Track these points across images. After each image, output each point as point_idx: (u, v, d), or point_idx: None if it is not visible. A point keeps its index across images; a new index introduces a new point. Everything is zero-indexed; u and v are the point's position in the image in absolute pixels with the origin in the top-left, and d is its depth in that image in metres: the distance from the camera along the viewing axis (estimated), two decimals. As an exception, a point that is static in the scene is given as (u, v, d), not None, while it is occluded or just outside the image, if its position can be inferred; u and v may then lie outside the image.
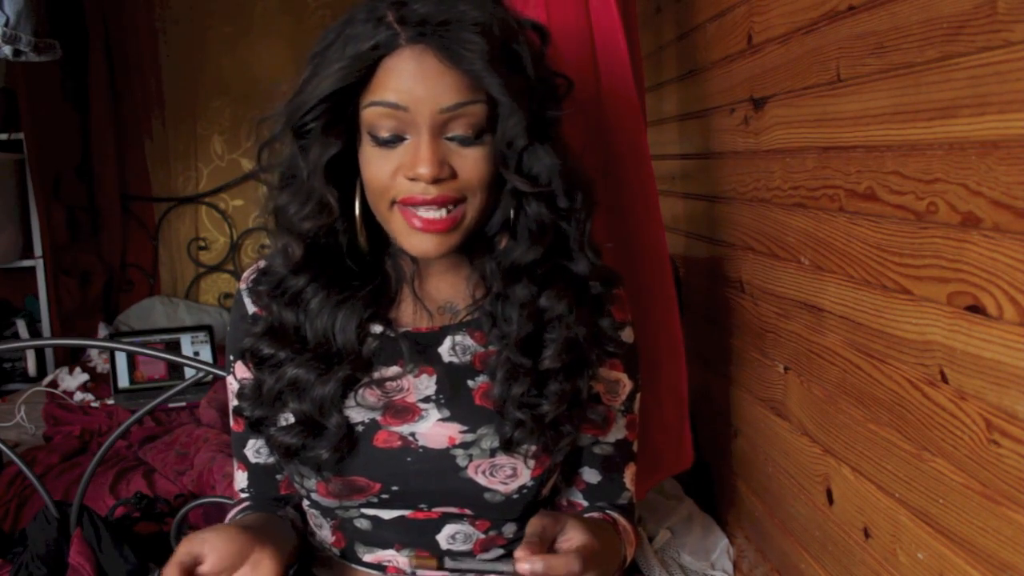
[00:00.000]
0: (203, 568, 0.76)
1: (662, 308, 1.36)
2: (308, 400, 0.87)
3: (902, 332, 0.88)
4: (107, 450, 1.36)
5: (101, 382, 2.53)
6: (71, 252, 3.02)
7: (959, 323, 0.77)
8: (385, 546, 0.92)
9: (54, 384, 2.48)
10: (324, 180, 0.84)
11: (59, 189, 2.98)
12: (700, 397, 1.62)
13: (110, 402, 2.34)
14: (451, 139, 0.81)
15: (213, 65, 3.20)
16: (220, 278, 3.35)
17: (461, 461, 0.87)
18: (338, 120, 0.83)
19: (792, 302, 1.19)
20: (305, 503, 0.97)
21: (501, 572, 0.85)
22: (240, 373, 0.95)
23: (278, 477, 0.99)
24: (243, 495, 1.00)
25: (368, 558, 0.93)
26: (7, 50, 1.98)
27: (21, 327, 2.90)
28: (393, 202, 0.83)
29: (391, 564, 0.92)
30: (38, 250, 2.86)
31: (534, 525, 0.79)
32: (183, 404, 2.20)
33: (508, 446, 0.86)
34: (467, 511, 0.89)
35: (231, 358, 0.97)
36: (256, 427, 0.92)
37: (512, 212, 0.87)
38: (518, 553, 0.74)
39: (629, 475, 1.00)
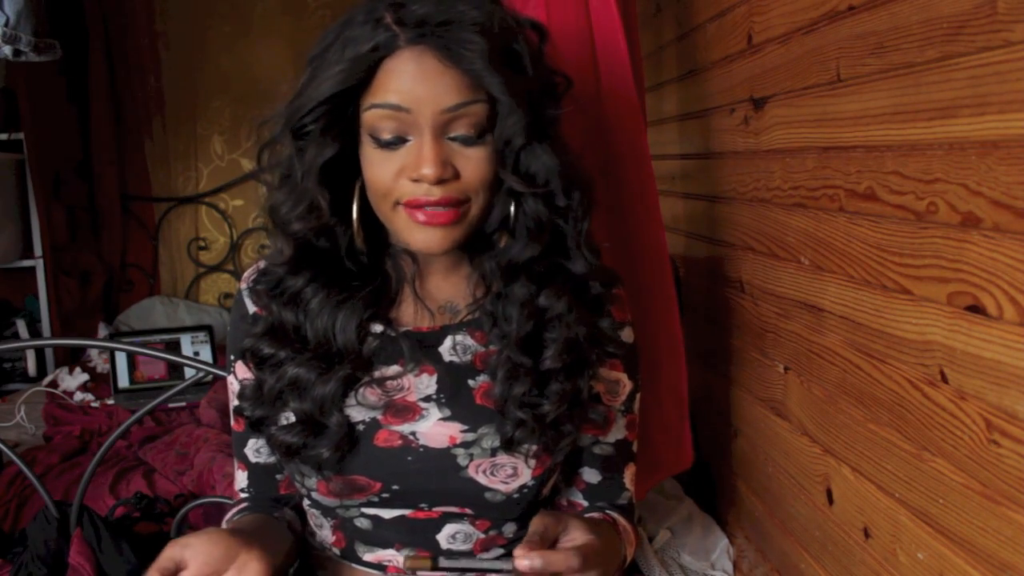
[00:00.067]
0: (185, 574, 0.75)
1: (662, 308, 1.36)
2: (309, 399, 0.87)
3: (902, 332, 0.88)
4: (107, 450, 1.36)
5: (101, 382, 2.53)
6: (71, 252, 3.02)
7: (959, 323, 0.77)
8: (385, 546, 0.92)
9: (54, 384, 2.48)
10: (318, 182, 0.84)
11: (59, 189, 2.98)
12: (700, 397, 1.62)
13: (110, 402, 2.34)
14: (453, 139, 0.81)
15: (213, 65, 3.20)
16: (220, 278, 3.35)
17: (462, 460, 0.87)
18: (337, 122, 0.83)
19: (792, 302, 1.19)
20: (305, 503, 0.97)
21: (500, 571, 0.85)
22: (241, 373, 0.95)
23: (278, 477, 0.99)
24: (242, 495, 1.00)
25: (368, 558, 0.93)
26: (7, 50, 1.98)
27: (21, 327, 2.90)
28: (397, 203, 0.83)
29: (391, 564, 0.92)
30: (38, 250, 2.86)
31: (536, 524, 0.79)
32: (183, 404, 2.20)
33: (509, 445, 0.86)
34: (467, 511, 0.89)
35: (232, 358, 0.97)
36: (257, 427, 0.92)
37: (511, 210, 0.87)
38: (518, 551, 0.74)
39: (629, 475, 1.01)
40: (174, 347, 2.50)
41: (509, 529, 0.92)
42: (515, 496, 0.88)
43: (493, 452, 0.87)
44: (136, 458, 1.90)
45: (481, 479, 0.87)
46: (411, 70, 0.79)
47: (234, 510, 0.99)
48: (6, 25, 1.95)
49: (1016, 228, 0.68)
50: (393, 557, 0.92)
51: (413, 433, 0.89)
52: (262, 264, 0.95)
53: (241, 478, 1.00)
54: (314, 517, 0.97)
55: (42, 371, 2.82)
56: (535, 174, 0.85)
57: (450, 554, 0.90)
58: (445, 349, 0.91)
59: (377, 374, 0.90)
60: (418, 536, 0.91)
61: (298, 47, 3.03)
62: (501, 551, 0.93)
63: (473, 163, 0.82)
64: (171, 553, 0.76)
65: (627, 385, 0.98)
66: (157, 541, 1.42)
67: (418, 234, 0.83)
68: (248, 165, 3.24)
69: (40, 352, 2.85)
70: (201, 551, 0.76)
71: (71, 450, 1.96)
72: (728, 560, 1.44)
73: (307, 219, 0.85)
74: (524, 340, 0.87)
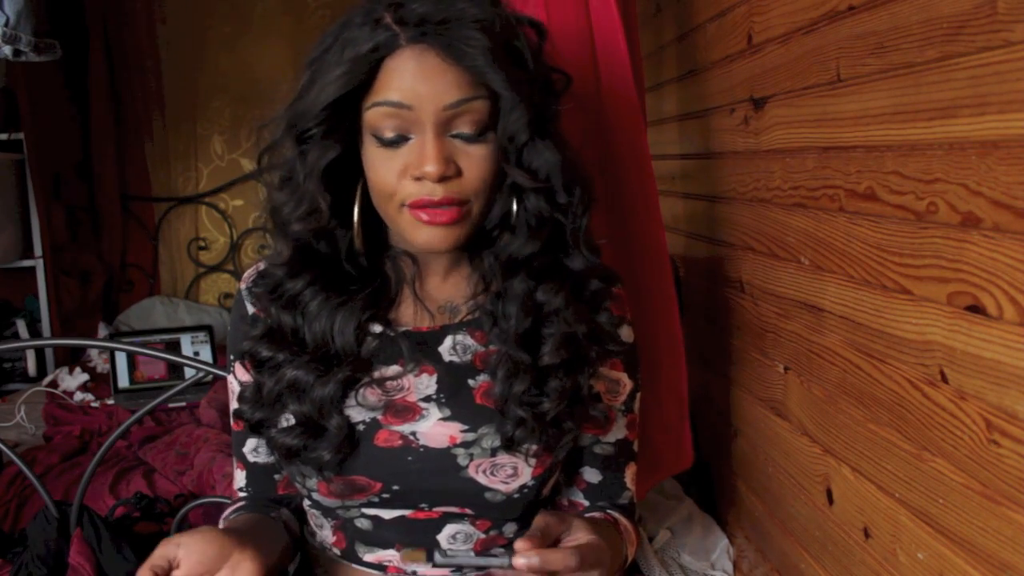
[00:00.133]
0: (178, 573, 0.75)
1: (662, 308, 1.36)
2: (308, 402, 0.87)
3: (902, 332, 0.88)
4: (107, 450, 1.36)
5: (101, 382, 2.53)
6: (71, 252, 3.02)
7: (959, 323, 0.77)
8: (386, 546, 0.92)
9: (54, 384, 2.48)
10: (320, 184, 0.84)
11: (59, 189, 2.98)
12: (700, 397, 1.62)
13: (110, 402, 2.34)
14: (455, 136, 0.81)
15: (213, 65, 3.19)
16: (220, 278, 3.35)
17: (462, 460, 0.87)
18: (339, 125, 0.83)
19: (792, 302, 1.19)
20: (306, 503, 0.97)
21: (497, 565, 0.85)
22: (240, 375, 0.95)
23: (276, 477, 0.99)
24: (241, 494, 1.00)
25: (369, 558, 0.93)
26: (7, 50, 1.98)
27: (21, 327, 2.90)
28: (402, 205, 0.83)
29: (391, 564, 0.92)
30: (38, 250, 2.86)
31: (539, 521, 0.79)
32: (183, 404, 2.20)
33: (509, 445, 0.86)
34: (468, 511, 0.89)
35: (231, 358, 0.97)
36: (257, 429, 0.92)
37: (512, 207, 0.87)
38: (518, 545, 0.74)
39: (630, 475, 1.01)
40: (174, 347, 2.50)
41: (509, 529, 0.92)
42: (515, 496, 0.88)
43: (493, 452, 0.87)
44: (136, 458, 1.90)
45: (481, 479, 0.87)
46: (412, 68, 0.79)
47: (230, 509, 0.99)
48: (6, 25, 1.95)
49: (1016, 228, 0.68)
50: (393, 557, 0.92)
51: (413, 433, 0.88)
52: (262, 265, 0.95)
53: (239, 478, 1.00)
54: (315, 517, 0.97)
55: (42, 371, 2.82)
56: (537, 170, 0.85)
57: (443, 551, 0.90)
58: (445, 349, 0.91)
59: (377, 374, 0.90)
60: (418, 536, 0.91)
61: (298, 47, 3.02)
62: (501, 551, 0.93)
63: (475, 161, 0.82)
64: (164, 551, 0.76)
65: (627, 384, 0.98)
66: (157, 541, 1.42)
67: (422, 233, 0.83)
68: (248, 165, 3.24)
69: (40, 352, 2.86)
70: (194, 549, 0.76)
71: (71, 450, 1.96)
72: (728, 560, 1.44)
73: (308, 221, 0.85)
74: (523, 336, 0.87)
